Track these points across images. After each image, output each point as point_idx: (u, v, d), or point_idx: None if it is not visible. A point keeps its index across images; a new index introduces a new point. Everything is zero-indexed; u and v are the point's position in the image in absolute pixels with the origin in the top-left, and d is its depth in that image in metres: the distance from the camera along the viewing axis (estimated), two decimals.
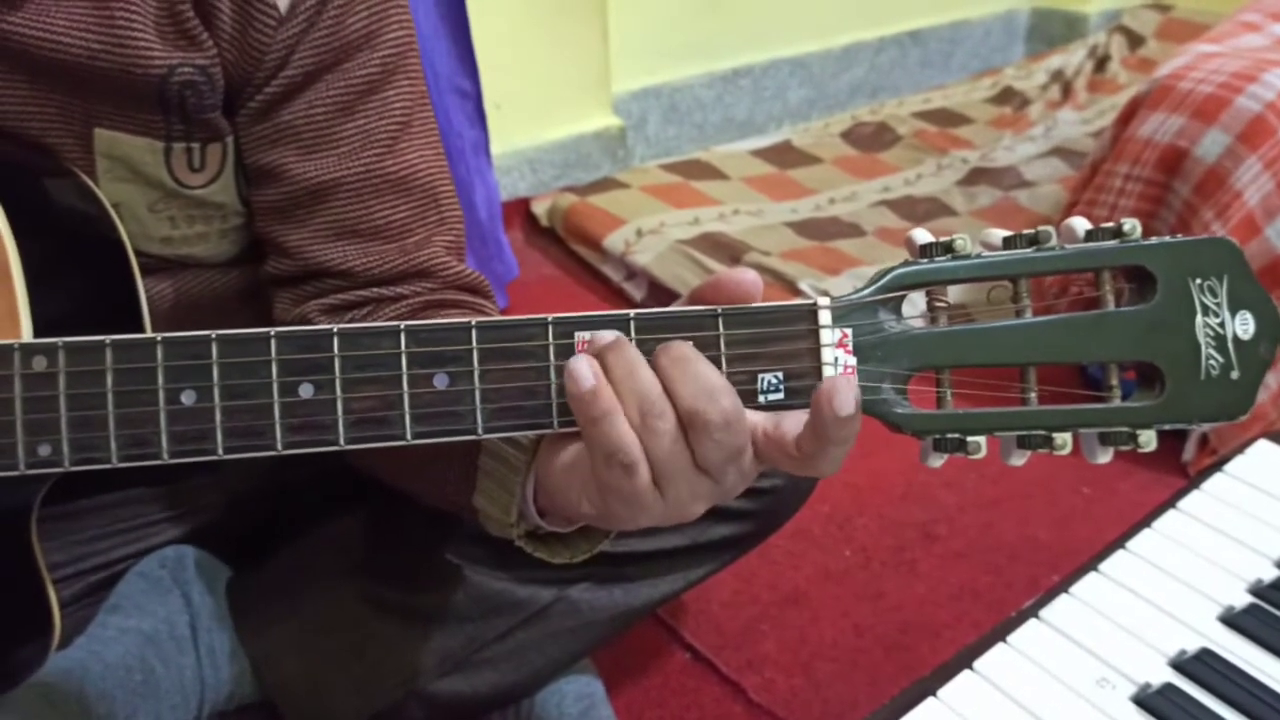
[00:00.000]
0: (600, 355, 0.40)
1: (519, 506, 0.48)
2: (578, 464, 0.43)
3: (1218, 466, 0.83)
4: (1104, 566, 0.73)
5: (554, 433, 0.43)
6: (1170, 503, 0.79)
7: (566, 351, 0.41)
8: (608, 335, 0.41)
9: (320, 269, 0.60)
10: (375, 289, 0.60)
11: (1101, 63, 2.20)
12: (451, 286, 0.62)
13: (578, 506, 0.44)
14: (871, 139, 1.95)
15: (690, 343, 0.41)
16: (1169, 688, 0.62)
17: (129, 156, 0.57)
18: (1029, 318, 0.39)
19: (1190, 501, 0.79)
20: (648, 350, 0.41)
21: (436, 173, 0.62)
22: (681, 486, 0.41)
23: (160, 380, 0.42)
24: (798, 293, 1.38)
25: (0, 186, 0.50)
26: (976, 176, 1.77)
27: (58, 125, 0.56)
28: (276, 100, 0.58)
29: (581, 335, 0.41)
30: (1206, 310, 0.38)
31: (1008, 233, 0.39)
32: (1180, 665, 0.64)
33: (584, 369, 0.40)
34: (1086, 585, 0.71)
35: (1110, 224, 0.38)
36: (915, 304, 0.40)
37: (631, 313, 0.41)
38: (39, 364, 0.43)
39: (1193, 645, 0.65)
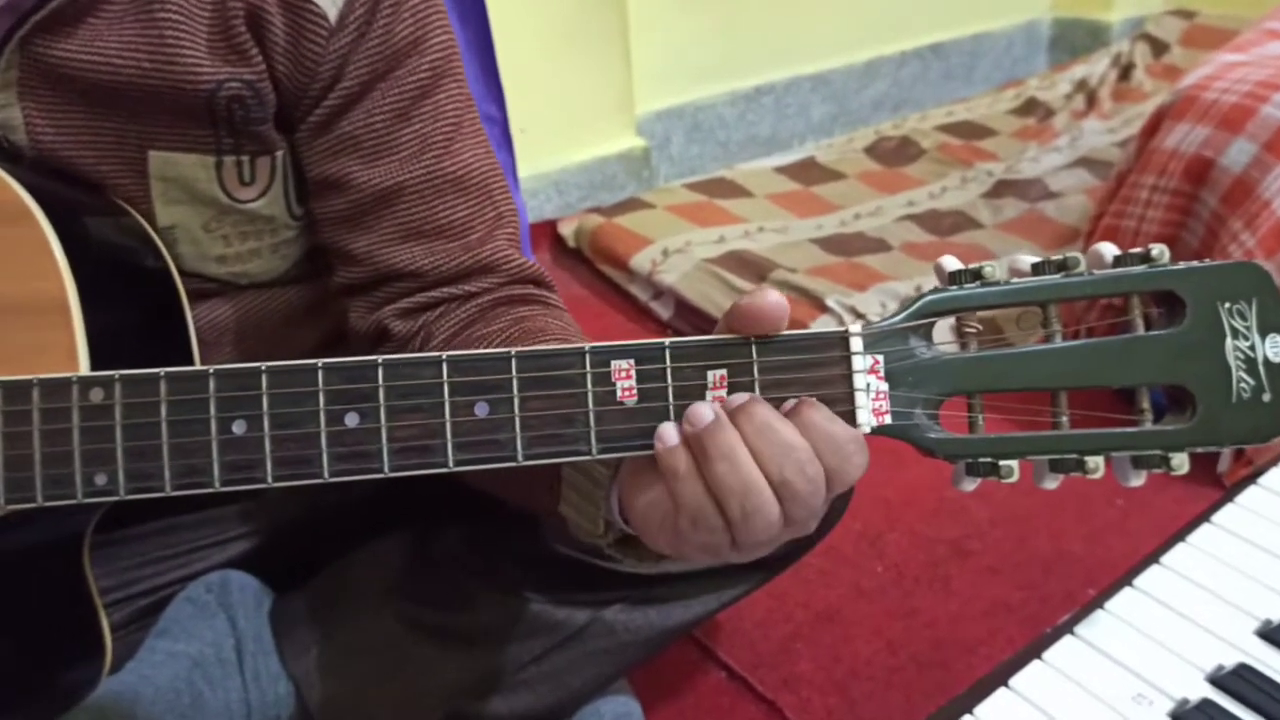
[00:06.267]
0: (698, 440, 0.41)
1: (605, 517, 0.49)
2: (656, 503, 0.43)
3: (1252, 479, 0.83)
4: (1139, 582, 0.72)
5: (591, 460, 0.44)
6: (1205, 516, 0.79)
7: (604, 380, 0.42)
8: (706, 415, 0.41)
9: (390, 272, 0.62)
10: (445, 288, 0.62)
11: (1126, 71, 2.19)
12: (516, 280, 0.64)
13: (655, 541, 0.45)
14: (895, 153, 1.95)
15: (769, 405, 0.41)
16: (1207, 703, 0.61)
17: (183, 176, 0.59)
18: (1059, 342, 0.39)
19: (1225, 515, 0.79)
20: (687, 379, 0.41)
21: (489, 170, 0.64)
22: (762, 544, 0.42)
23: (212, 411, 0.43)
24: (825, 309, 1.38)
25: (58, 224, 0.52)
26: (1002, 189, 1.76)
27: (112, 152, 0.58)
28: (336, 112, 0.60)
29: (618, 364, 0.42)
30: (1236, 334, 0.38)
31: (1036, 258, 0.39)
32: (1218, 680, 0.63)
33: (670, 430, 0.41)
34: (1122, 601, 0.71)
35: (1138, 249, 0.39)
36: (945, 330, 0.41)
37: (667, 341, 0.42)
38: (96, 396, 0.44)
39: (1230, 660, 0.65)
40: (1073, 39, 2.43)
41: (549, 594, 0.70)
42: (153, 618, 0.71)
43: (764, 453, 0.40)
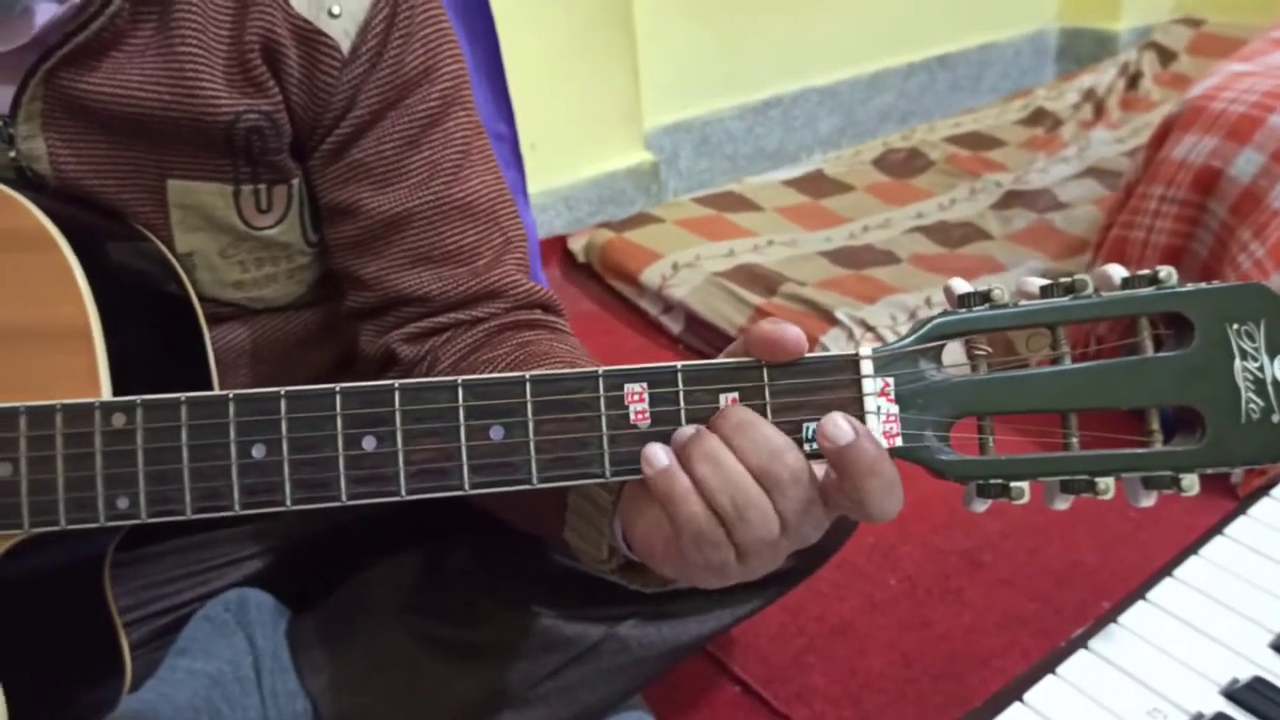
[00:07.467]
0: (684, 449, 0.42)
1: (609, 543, 0.50)
2: (656, 526, 0.44)
3: (1265, 490, 0.83)
4: (1152, 595, 0.72)
5: (604, 481, 0.44)
6: (1218, 528, 0.79)
7: (617, 403, 0.43)
8: (687, 429, 0.42)
9: (399, 297, 0.63)
10: (452, 314, 0.63)
11: (1133, 80, 2.19)
12: (523, 305, 0.65)
13: (660, 567, 0.45)
14: (903, 165, 1.96)
15: (747, 408, 0.42)
16: (1221, 717, 0.61)
17: (201, 204, 0.61)
18: (1068, 364, 0.40)
19: (1238, 527, 0.79)
20: (699, 401, 0.42)
21: (498, 195, 0.65)
22: (765, 555, 0.42)
23: (232, 435, 0.44)
24: (835, 322, 1.39)
25: (80, 250, 0.53)
26: (1011, 200, 1.76)
27: (132, 180, 0.59)
28: (348, 140, 0.61)
29: (631, 387, 0.43)
30: (1245, 355, 0.38)
31: (1045, 281, 0.40)
32: (1233, 694, 0.63)
33: (658, 451, 0.42)
34: (1135, 614, 0.71)
35: (1146, 271, 0.39)
36: (956, 352, 0.41)
37: (679, 365, 0.42)
38: (118, 421, 0.45)
39: (1245, 673, 0.64)
40: (1080, 48, 2.43)
41: (563, 610, 0.70)
42: (171, 636, 0.72)
43: (743, 447, 0.41)
